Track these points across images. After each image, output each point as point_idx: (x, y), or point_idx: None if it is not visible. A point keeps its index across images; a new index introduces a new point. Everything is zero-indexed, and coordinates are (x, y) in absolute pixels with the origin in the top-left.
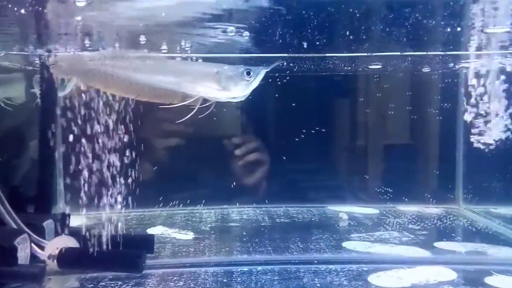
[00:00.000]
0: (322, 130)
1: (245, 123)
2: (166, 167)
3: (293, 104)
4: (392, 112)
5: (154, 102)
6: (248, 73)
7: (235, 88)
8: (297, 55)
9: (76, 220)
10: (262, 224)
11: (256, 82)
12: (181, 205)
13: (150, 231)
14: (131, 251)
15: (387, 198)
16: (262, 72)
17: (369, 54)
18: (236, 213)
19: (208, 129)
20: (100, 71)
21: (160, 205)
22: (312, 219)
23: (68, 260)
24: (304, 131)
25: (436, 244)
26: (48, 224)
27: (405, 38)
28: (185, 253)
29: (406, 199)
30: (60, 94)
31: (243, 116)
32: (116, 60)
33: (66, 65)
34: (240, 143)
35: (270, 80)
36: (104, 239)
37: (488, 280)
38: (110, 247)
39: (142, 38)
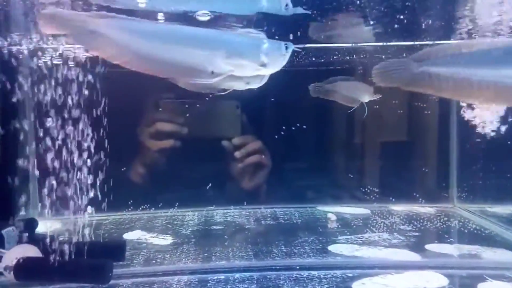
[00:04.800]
0: (313, 127)
1: (245, 123)
2: (156, 168)
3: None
4: (385, 109)
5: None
6: None
7: None
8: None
9: (50, 226)
10: (247, 226)
11: None
12: (164, 207)
13: (127, 235)
14: (97, 260)
15: (379, 197)
16: None
17: (353, 44)
18: (221, 215)
19: (206, 130)
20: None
21: (141, 208)
22: (300, 220)
23: (26, 272)
24: (294, 128)
25: (428, 246)
26: (9, 232)
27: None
28: (160, 260)
29: (399, 199)
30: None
31: (243, 116)
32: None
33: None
34: (240, 144)
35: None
36: (69, 247)
37: (482, 286)
38: (75, 256)
39: None
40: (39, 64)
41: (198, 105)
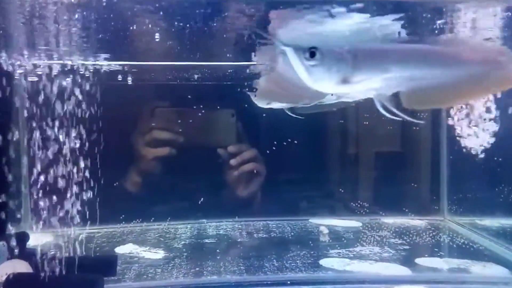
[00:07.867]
0: (305, 140)
1: (241, 131)
2: (152, 177)
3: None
4: (375, 121)
5: None
6: None
7: None
8: None
9: (41, 240)
10: (239, 240)
11: None
12: (157, 219)
13: (119, 249)
14: (88, 275)
15: (370, 210)
16: None
17: None
18: (214, 228)
19: (202, 138)
20: None
21: (134, 221)
22: (292, 233)
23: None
24: (288, 141)
25: (418, 260)
26: None
27: None
28: (151, 275)
29: (390, 211)
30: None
31: (238, 124)
32: None
33: None
34: (235, 152)
35: None
36: (60, 262)
37: None
38: (66, 271)
39: None
40: (32, 79)
41: (193, 113)
